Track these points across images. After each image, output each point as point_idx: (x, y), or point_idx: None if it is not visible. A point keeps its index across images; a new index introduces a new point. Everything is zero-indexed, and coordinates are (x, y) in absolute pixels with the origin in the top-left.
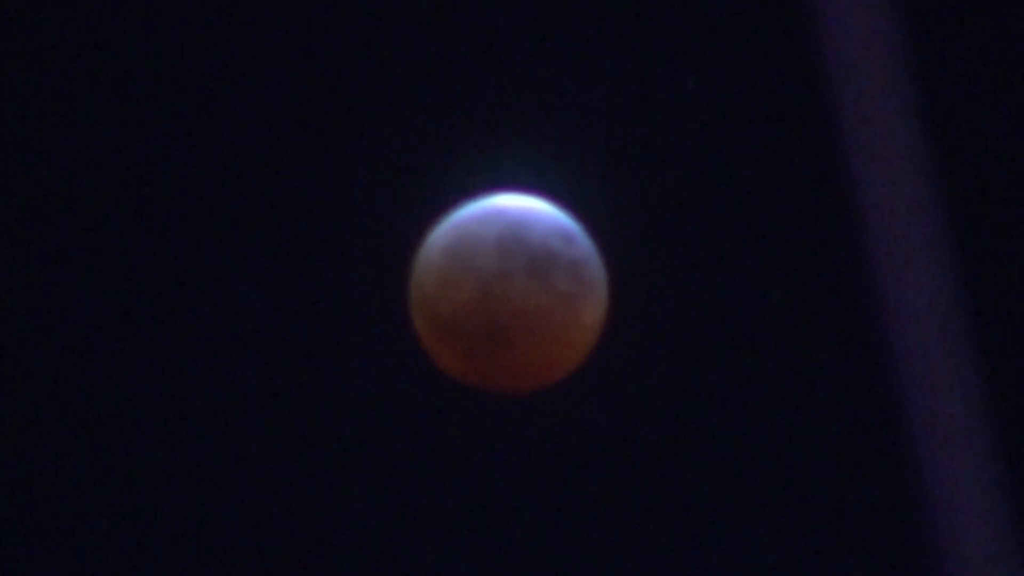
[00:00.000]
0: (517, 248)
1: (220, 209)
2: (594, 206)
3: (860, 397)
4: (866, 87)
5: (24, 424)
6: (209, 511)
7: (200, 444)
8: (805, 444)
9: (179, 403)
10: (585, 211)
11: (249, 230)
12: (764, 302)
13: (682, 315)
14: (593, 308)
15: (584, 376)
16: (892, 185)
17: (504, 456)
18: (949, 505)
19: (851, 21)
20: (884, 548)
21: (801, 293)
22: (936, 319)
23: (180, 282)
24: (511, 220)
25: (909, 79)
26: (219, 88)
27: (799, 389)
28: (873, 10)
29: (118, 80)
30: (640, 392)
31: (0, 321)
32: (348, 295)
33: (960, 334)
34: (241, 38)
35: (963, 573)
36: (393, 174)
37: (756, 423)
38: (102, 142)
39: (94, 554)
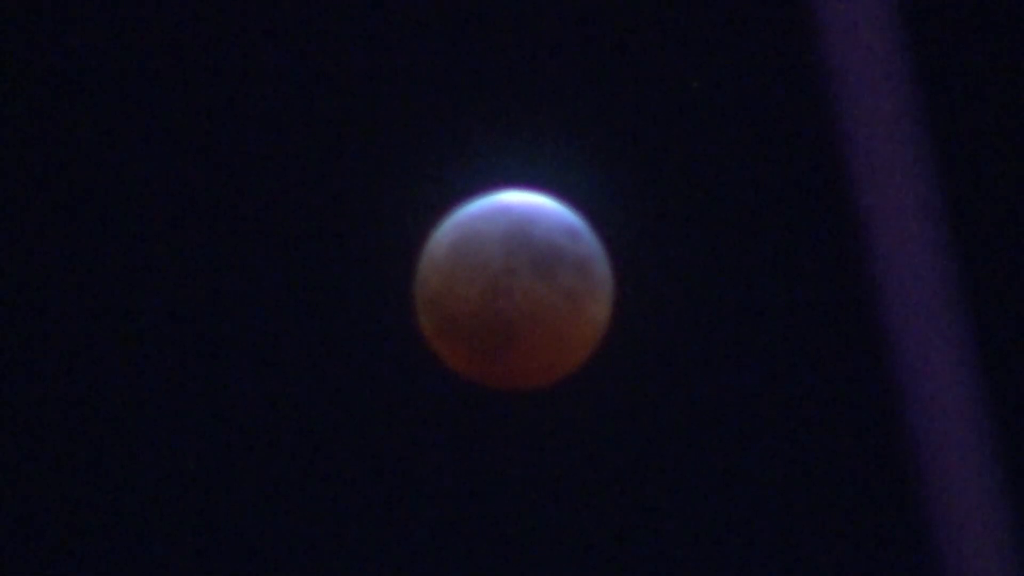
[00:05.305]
0: (523, 245)
1: (224, 207)
2: (600, 203)
3: (860, 396)
4: (866, 87)
5: (26, 424)
6: (213, 507)
7: (205, 442)
8: (806, 442)
9: (185, 400)
10: (591, 208)
11: (254, 227)
12: (768, 300)
13: (687, 313)
14: (599, 305)
15: (590, 373)
16: (892, 185)
17: (509, 453)
18: (949, 505)
19: (852, 21)
20: (884, 548)
21: (804, 291)
22: (936, 319)
23: (185, 280)
24: (517, 217)
25: (909, 79)
26: (224, 86)
27: (801, 387)
28: (873, 10)
29: (120, 79)
30: (645, 389)
31: (1, 321)
32: (353, 293)
33: (960, 334)
34: (243, 37)
35: (963, 573)
36: (398, 171)
37: (758, 420)
38: (104, 142)
39: (105, 554)
